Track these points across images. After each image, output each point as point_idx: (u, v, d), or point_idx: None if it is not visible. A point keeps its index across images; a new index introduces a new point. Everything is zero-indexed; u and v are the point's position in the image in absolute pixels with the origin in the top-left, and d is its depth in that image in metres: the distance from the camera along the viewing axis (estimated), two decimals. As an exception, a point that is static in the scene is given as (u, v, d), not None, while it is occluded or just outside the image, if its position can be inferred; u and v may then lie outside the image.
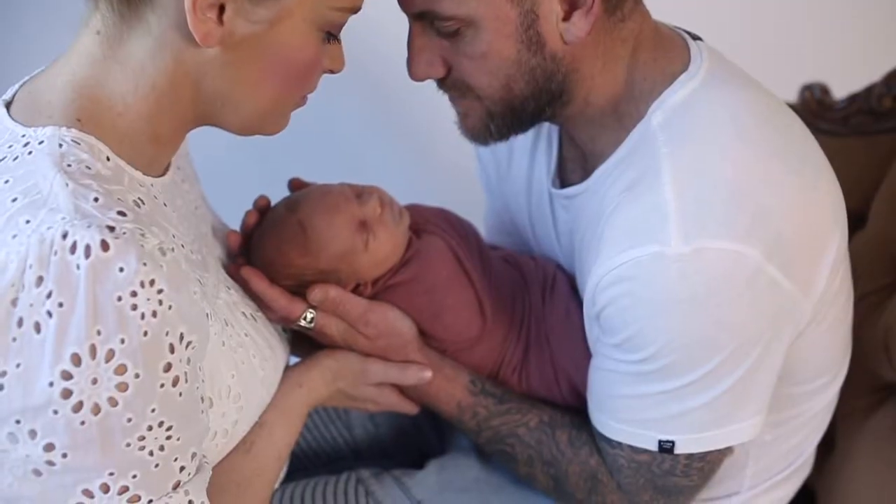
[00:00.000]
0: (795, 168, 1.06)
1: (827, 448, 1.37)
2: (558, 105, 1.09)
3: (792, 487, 1.29)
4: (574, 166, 1.21)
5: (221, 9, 0.89)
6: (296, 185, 1.23)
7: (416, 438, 1.42)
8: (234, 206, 1.23)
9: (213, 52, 0.91)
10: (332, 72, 1.00)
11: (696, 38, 1.15)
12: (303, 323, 1.14)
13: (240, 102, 0.96)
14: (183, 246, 0.95)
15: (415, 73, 1.08)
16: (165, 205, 0.97)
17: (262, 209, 1.19)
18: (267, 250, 1.15)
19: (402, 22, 1.08)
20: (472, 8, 1.01)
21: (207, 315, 0.94)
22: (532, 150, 1.28)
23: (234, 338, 1.02)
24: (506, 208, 1.37)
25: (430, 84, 1.12)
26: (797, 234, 1.04)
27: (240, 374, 1.01)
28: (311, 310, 1.14)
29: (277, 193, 1.21)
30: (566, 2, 1.02)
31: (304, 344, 1.20)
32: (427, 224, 1.22)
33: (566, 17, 1.03)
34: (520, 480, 1.24)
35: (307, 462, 1.38)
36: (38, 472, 0.84)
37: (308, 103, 1.02)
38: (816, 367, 1.18)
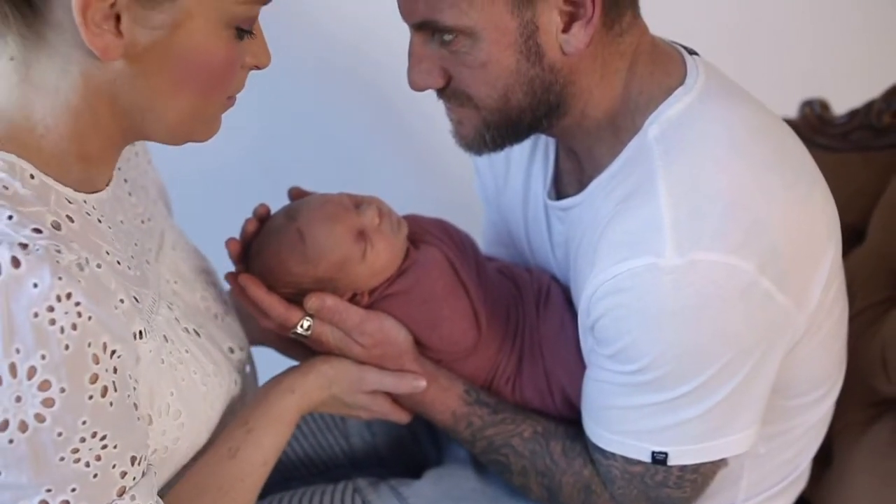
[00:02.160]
0: (790, 182, 1.07)
1: (824, 462, 1.37)
2: (555, 116, 1.10)
3: (787, 500, 1.29)
4: (570, 179, 1.22)
5: (118, 19, 0.85)
6: (296, 194, 1.23)
7: (412, 448, 1.42)
8: (234, 214, 1.24)
9: (119, 65, 0.88)
10: (257, 67, 0.96)
11: (692, 52, 1.16)
12: (300, 330, 1.15)
13: (160, 113, 0.92)
14: (119, 262, 0.93)
15: (415, 82, 1.08)
16: (100, 220, 0.95)
17: (262, 217, 1.20)
18: (265, 258, 1.16)
19: (401, 33, 1.09)
20: (472, 18, 1.02)
21: (141, 332, 0.93)
22: (529, 163, 1.29)
23: (175, 354, 1.01)
24: (503, 220, 1.38)
25: (430, 95, 1.13)
26: (791, 248, 1.05)
27: (180, 391, 1.00)
28: (307, 317, 1.15)
29: (277, 202, 1.22)
30: (566, 13, 1.03)
31: (299, 348, 1.21)
32: (425, 235, 1.22)
33: (566, 29, 1.04)
34: (516, 491, 1.25)
35: (304, 470, 1.39)
36: None
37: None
38: (811, 380, 1.18)
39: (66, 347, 0.82)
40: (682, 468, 1.12)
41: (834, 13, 1.97)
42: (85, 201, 0.93)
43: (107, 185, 0.98)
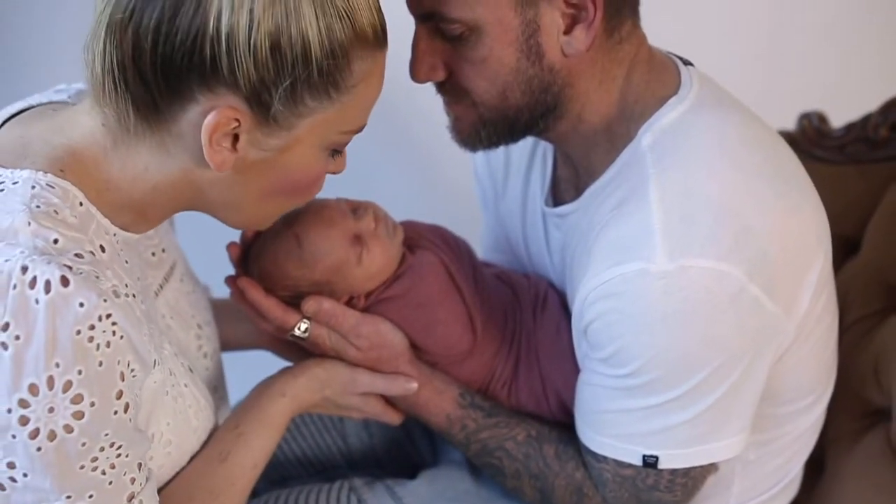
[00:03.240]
0: (780, 190, 1.09)
1: (817, 470, 1.38)
2: (552, 118, 1.11)
3: (779, 506, 1.31)
4: (567, 186, 1.23)
5: (235, 137, 0.92)
6: (295, 199, 1.25)
7: (409, 450, 1.44)
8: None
9: (223, 172, 0.94)
10: (333, 173, 1.03)
11: (687, 63, 1.18)
12: (297, 333, 1.17)
13: (240, 209, 1.00)
14: (134, 296, 0.96)
15: (417, 74, 1.09)
16: (119, 254, 0.98)
17: (262, 222, 1.22)
18: (264, 262, 1.18)
19: (401, 40, 1.11)
20: (477, 12, 1.04)
21: (155, 361, 0.96)
22: (527, 170, 1.31)
23: (176, 387, 1.04)
24: (501, 226, 1.39)
25: (432, 103, 1.15)
26: (780, 255, 1.06)
27: (175, 423, 1.04)
28: (305, 320, 1.17)
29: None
30: (568, 16, 1.05)
31: (296, 351, 1.23)
32: (421, 240, 1.24)
33: (567, 31, 1.06)
34: (509, 493, 1.26)
35: (301, 470, 1.41)
36: (2, 487, 0.88)
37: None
38: (800, 387, 1.19)
39: (100, 364, 0.86)
40: (673, 472, 1.14)
41: (832, 29, 1.99)
42: (115, 234, 0.97)
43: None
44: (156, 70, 0.88)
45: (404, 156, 1.74)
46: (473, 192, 1.46)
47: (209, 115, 0.89)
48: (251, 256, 1.19)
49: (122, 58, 0.89)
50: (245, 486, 1.11)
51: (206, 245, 1.28)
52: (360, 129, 0.99)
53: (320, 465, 1.41)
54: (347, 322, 1.17)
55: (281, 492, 1.28)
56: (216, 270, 1.24)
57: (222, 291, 1.25)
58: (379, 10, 0.95)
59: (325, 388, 1.19)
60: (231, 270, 1.21)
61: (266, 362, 1.28)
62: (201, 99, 0.90)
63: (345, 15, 0.90)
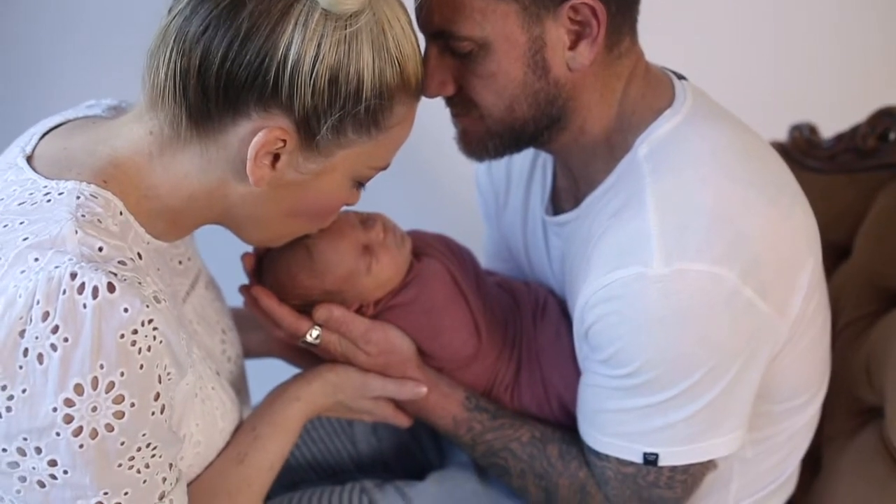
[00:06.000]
0: (772, 197, 1.12)
1: (814, 468, 1.41)
2: (556, 129, 1.15)
3: (777, 503, 1.34)
4: (567, 195, 1.27)
5: (276, 157, 0.98)
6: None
7: (416, 452, 1.47)
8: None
9: (258, 188, 1.00)
10: (348, 205, 1.10)
11: (681, 77, 1.21)
12: (309, 339, 1.20)
13: (265, 226, 1.06)
14: (166, 300, 1.00)
15: (428, 90, 1.11)
16: (152, 261, 1.02)
17: (275, 234, 1.26)
18: (277, 272, 1.21)
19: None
20: (485, 30, 1.07)
21: (188, 365, 1.01)
22: (528, 181, 1.35)
23: (205, 390, 1.08)
24: (503, 236, 1.43)
25: (438, 121, 1.19)
26: (772, 259, 1.10)
27: (204, 424, 1.08)
28: (316, 327, 1.20)
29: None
30: (573, 32, 1.09)
31: (307, 358, 1.27)
32: (427, 248, 1.27)
33: (572, 47, 1.10)
34: (515, 493, 1.29)
35: (312, 474, 1.44)
36: (42, 484, 0.92)
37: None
38: (795, 386, 1.23)
39: (141, 367, 0.91)
40: (673, 469, 1.17)
41: (822, 44, 2.03)
42: (148, 243, 1.02)
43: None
44: (219, 83, 0.94)
45: (410, 169, 1.78)
46: (475, 204, 1.50)
47: (259, 133, 0.95)
48: (264, 267, 1.23)
49: (186, 67, 0.94)
50: (262, 487, 1.15)
51: (220, 256, 1.32)
52: (385, 167, 1.07)
53: (330, 469, 1.44)
54: (357, 329, 1.20)
55: (293, 494, 1.31)
56: (229, 280, 1.28)
57: (235, 300, 1.29)
58: (423, 63, 1.04)
59: (338, 392, 1.22)
60: (244, 280, 1.25)
61: (282, 367, 1.32)
62: (255, 116, 0.96)
63: (396, 62, 0.98)
